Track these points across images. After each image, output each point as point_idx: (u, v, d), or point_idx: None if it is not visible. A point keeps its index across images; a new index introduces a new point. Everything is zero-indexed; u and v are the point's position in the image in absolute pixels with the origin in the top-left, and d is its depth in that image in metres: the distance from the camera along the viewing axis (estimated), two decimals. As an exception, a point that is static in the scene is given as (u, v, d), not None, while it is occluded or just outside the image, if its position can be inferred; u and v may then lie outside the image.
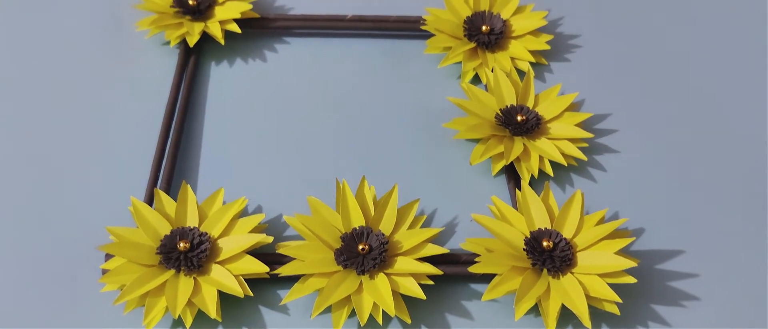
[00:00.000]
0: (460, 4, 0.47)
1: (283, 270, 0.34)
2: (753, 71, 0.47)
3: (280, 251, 0.35)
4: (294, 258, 0.34)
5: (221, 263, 0.34)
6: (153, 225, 0.35)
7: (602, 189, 0.40)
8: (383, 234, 0.35)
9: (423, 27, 0.47)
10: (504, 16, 0.47)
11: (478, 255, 0.34)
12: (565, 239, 0.35)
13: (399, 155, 0.42)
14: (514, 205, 0.38)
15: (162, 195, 0.37)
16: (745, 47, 0.48)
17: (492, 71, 0.44)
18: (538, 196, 0.37)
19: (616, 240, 0.35)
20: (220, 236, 0.35)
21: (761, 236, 0.38)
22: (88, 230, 0.36)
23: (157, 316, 0.33)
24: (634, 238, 0.37)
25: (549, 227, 0.36)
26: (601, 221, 0.37)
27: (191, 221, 0.36)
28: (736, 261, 0.37)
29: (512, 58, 0.46)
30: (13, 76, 0.45)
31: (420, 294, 0.33)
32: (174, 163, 0.40)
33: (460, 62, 0.46)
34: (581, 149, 0.41)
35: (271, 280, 0.35)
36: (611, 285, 0.34)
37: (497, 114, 0.41)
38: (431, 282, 0.34)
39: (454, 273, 0.35)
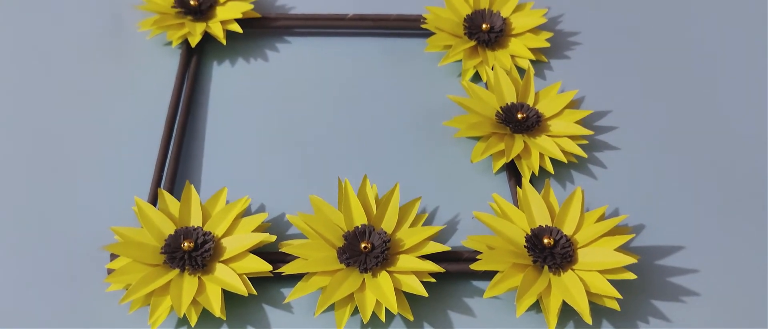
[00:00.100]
0: (460, 3, 0.48)
1: (287, 269, 0.34)
2: (753, 68, 0.47)
3: (284, 250, 0.35)
4: (297, 257, 0.35)
5: (225, 262, 0.35)
6: (157, 225, 0.36)
7: (602, 186, 0.40)
8: (385, 232, 0.35)
9: (423, 25, 0.47)
10: (504, 14, 0.47)
11: (480, 253, 0.35)
12: (565, 236, 0.35)
13: (400, 153, 0.42)
14: (515, 202, 0.39)
15: (166, 195, 0.37)
16: (745, 44, 0.49)
17: (492, 69, 0.45)
18: (539, 193, 0.37)
19: (616, 237, 0.35)
20: (223, 236, 0.36)
21: (761, 232, 0.39)
22: (92, 231, 0.37)
23: (163, 315, 0.33)
24: (634, 235, 0.38)
25: (550, 224, 0.36)
26: (602, 218, 0.37)
27: (195, 221, 0.36)
28: (736, 257, 0.38)
29: (512, 56, 0.46)
30: (15, 77, 0.45)
31: (422, 291, 0.34)
32: (177, 163, 0.40)
33: (461, 60, 0.46)
34: (581, 146, 0.41)
35: (274, 279, 0.35)
36: (611, 282, 0.34)
37: (498, 112, 0.41)
38: (433, 280, 0.34)
39: (456, 270, 0.36)
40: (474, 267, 0.34)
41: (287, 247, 0.35)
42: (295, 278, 0.35)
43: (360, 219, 0.36)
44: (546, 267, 0.35)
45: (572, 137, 0.41)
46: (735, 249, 0.38)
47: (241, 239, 0.35)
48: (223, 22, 0.46)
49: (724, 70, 0.47)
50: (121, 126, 0.42)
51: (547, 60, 0.47)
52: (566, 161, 0.40)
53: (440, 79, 0.46)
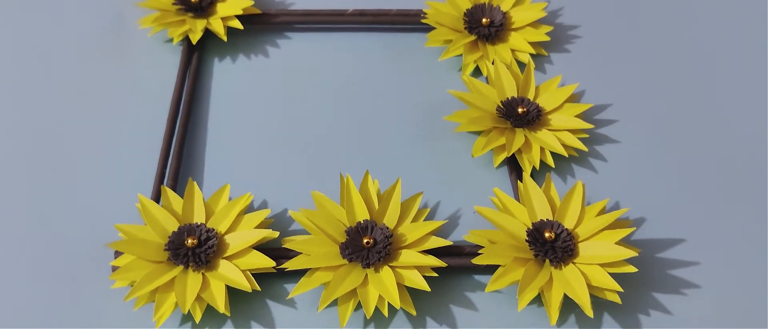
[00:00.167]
0: (460, -3, 0.48)
1: (290, 265, 0.34)
2: (752, 62, 0.47)
3: (286, 245, 0.35)
4: (300, 253, 0.35)
5: (228, 258, 0.35)
6: (161, 222, 0.36)
7: (603, 179, 0.41)
8: (387, 228, 0.35)
9: (423, 20, 0.47)
10: (504, 8, 0.47)
11: (482, 247, 0.35)
12: (566, 229, 0.35)
13: (401, 148, 0.42)
14: (516, 197, 0.39)
15: (169, 192, 0.37)
16: (745, 38, 0.49)
17: (492, 64, 0.45)
18: (540, 187, 0.37)
19: (617, 230, 0.35)
20: (226, 232, 0.36)
21: (761, 224, 0.39)
22: (96, 229, 0.37)
23: (167, 312, 0.33)
24: (635, 228, 0.38)
25: (551, 218, 0.36)
26: (602, 211, 0.37)
27: (198, 218, 0.36)
28: (737, 249, 0.38)
29: (512, 50, 0.46)
30: (16, 77, 0.45)
31: (425, 286, 0.34)
32: (180, 160, 0.40)
33: (461, 55, 0.46)
34: (582, 139, 0.41)
35: (277, 274, 0.36)
36: (612, 275, 0.34)
37: (498, 106, 0.41)
38: (435, 275, 0.35)
39: (458, 264, 0.36)
40: (476, 261, 0.35)
41: (290, 243, 0.35)
42: (298, 274, 0.35)
43: (362, 215, 0.36)
44: (547, 260, 0.35)
45: (573, 131, 0.41)
46: (735, 242, 0.38)
47: (244, 236, 0.36)
48: (223, 19, 0.46)
49: (725, 64, 0.47)
50: (123, 124, 0.43)
51: (547, 54, 0.47)
52: (567, 155, 0.40)
53: (441, 73, 0.46)
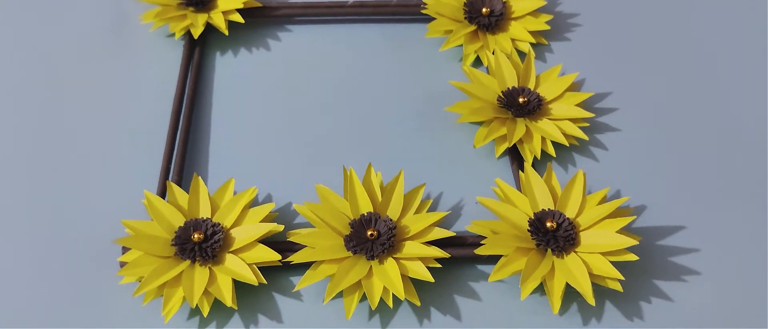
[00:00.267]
0: (459, -13, 0.48)
1: (295, 258, 0.35)
2: (753, 49, 0.47)
3: (291, 239, 0.36)
4: (305, 246, 0.35)
5: (235, 252, 0.35)
6: (167, 218, 0.36)
7: (604, 168, 0.41)
8: (391, 220, 0.36)
9: (423, 11, 0.47)
10: (503, -3, 0.47)
11: (484, 237, 0.35)
12: (568, 219, 0.36)
13: (403, 139, 0.42)
14: (518, 186, 0.39)
15: (175, 188, 0.37)
16: (745, 25, 0.49)
17: (493, 54, 0.45)
18: (541, 177, 0.38)
19: (617, 219, 0.36)
20: (232, 227, 0.36)
21: (760, 210, 0.39)
22: (103, 225, 0.37)
23: (176, 306, 0.34)
24: (635, 217, 0.38)
25: (552, 207, 0.37)
26: (603, 200, 0.37)
27: (204, 213, 0.37)
28: (737, 235, 0.38)
29: (513, 40, 0.46)
30: (18, 75, 0.45)
31: (428, 277, 0.34)
32: (184, 155, 0.41)
33: (462, 45, 0.46)
34: (582, 128, 0.41)
35: (283, 267, 0.36)
36: (614, 263, 0.35)
37: (499, 97, 0.42)
38: (439, 265, 0.35)
39: (461, 255, 0.36)
40: (478, 251, 0.35)
41: (295, 236, 0.36)
42: (304, 266, 0.35)
43: (366, 207, 0.36)
44: (549, 250, 0.35)
45: (573, 120, 0.42)
46: (735, 228, 0.38)
47: (249, 230, 0.36)
48: (224, 13, 0.47)
49: (725, 50, 0.47)
50: (127, 120, 0.43)
51: (547, 43, 0.47)
52: (567, 144, 0.41)
53: (441, 64, 0.46)
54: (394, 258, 0.35)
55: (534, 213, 0.36)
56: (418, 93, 0.45)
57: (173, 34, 0.47)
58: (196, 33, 0.45)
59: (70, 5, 0.49)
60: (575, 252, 0.35)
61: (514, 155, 0.41)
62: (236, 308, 0.34)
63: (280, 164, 0.41)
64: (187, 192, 0.37)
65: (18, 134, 0.42)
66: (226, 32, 0.46)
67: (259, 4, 0.48)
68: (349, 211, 0.36)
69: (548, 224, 0.35)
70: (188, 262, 0.35)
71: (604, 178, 0.40)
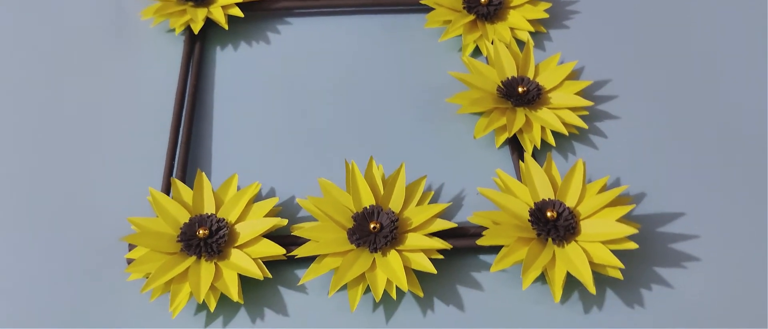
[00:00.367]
0: (458, -23, 0.48)
1: (299, 252, 0.35)
2: (752, 35, 0.47)
3: (295, 233, 0.36)
4: (309, 239, 0.36)
5: (240, 247, 0.36)
6: (172, 214, 0.37)
7: (603, 156, 0.41)
8: (393, 212, 0.36)
9: (422, 1, 0.47)
10: (502, -14, 0.47)
11: (485, 228, 0.36)
12: (568, 208, 0.36)
13: (404, 131, 0.43)
14: (519, 176, 0.40)
15: (179, 184, 0.38)
16: (744, 11, 0.49)
17: (492, 44, 0.45)
18: (541, 167, 0.38)
19: (617, 208, 0.36)
20: (236, 222, 0.37)
21: (760, 196, 0.39)
22: (108, 223, 0.38)
23: (183, 302, 0.34)
24: (635, 205, 0.39)
25: (553, 197, 0.37)
26: (603, 188, 0.38)
27: (208, 208, 0.37)
28: (736, 222, 0.38)
29: (511, 29, 0.46)
30: (19, 73, 0.45)
31: (431, 268, 0.35)
32: (187, 151, 0.41)
33: (461, 35, 0.46)
34: (582, 117, 0.42)
35: (288, 261, 0.36)
36: (614, 251, 0.35)
37: (499, 86, 0.42)
38: (441, 256, 0.35)
39: (463, 246, 0.37)
40: (480, 242, 0.35)
41: (299, 230, 0.36)
42: (308, 260, 0.36)
43: (368, 200, 0.37)
44: (550, 239, 0.36)
45: (573, 109, 0.42)
46: (735, 215, 0.39)
47: (254, 225, 0.36)
48: (224, 7, 0.47)
49: (724, 38, 0.47)
50: (130, 118, 0.43)
51: (545, 31, 0.48)
52: (567, 133, 0.41)
53: (441, 54, 0.47)
54: (396, 250, 0.35)
55: (534, 203, 0.36)
56: (418, 84, 0.45)
57: (173, 30, 0.47)
58: (196, 28, 0.45)
59: (70, 3, 0.49)
60: (576, 241, 0.36)
61: (515, 144, 0.41)
62: (242, 302, 0.35)
63: (282, 158, 0.41)
64: (191, 188, 0.38)
65: (21, 132, 0.43)
66: (226, 27, 0.46)
67: (258, -2, 0.48)
68: (352, 204, 0.37)
69: (549, 214, 0.36)
70: (194, 258, 0.35)
71: (603, 166, 0.40)
